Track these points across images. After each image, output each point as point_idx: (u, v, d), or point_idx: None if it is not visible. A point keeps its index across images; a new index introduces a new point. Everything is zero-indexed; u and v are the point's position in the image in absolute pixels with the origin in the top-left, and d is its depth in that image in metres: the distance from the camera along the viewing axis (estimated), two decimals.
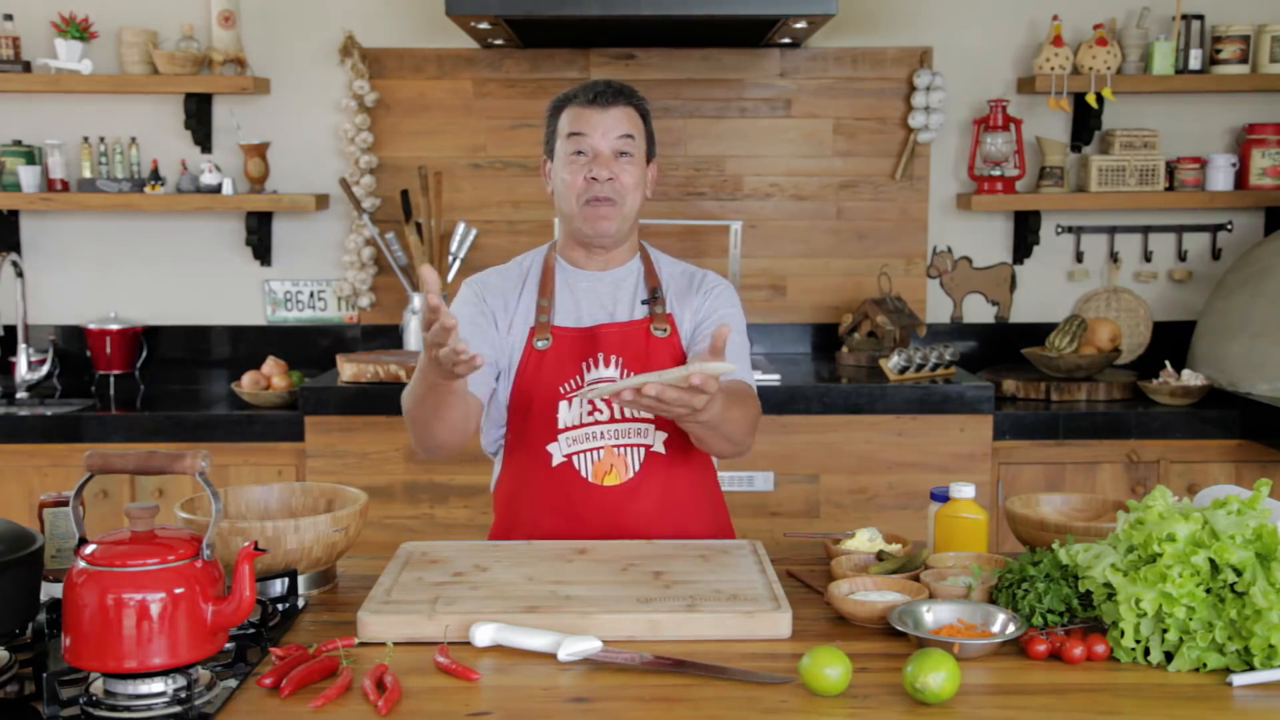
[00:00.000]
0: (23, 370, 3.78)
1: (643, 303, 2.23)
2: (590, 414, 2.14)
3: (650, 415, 2.13)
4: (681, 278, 2.28)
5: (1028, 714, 1.46)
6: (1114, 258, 4.01)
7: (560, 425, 2.14)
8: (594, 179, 2.13)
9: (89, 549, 1.49)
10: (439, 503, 3.40)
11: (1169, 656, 1.60)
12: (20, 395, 3.76)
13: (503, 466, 2.25)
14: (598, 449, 2.14)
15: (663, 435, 2.15)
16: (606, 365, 2.16)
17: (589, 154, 2.14)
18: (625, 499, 2.13)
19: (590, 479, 2.13)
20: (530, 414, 2.16)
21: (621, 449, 2.14)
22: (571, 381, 2.15)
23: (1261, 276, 3.58)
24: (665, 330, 2.20)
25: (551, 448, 2.14)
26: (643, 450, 2.15)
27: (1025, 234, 3.94)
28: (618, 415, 2.14)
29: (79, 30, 3.72)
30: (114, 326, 3.83)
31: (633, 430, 2.15)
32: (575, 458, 2.14)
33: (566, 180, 2.15)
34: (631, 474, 2.14)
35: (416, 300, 3.75)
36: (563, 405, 2.14)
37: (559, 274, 2.24)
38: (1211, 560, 1.58)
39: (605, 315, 2.21)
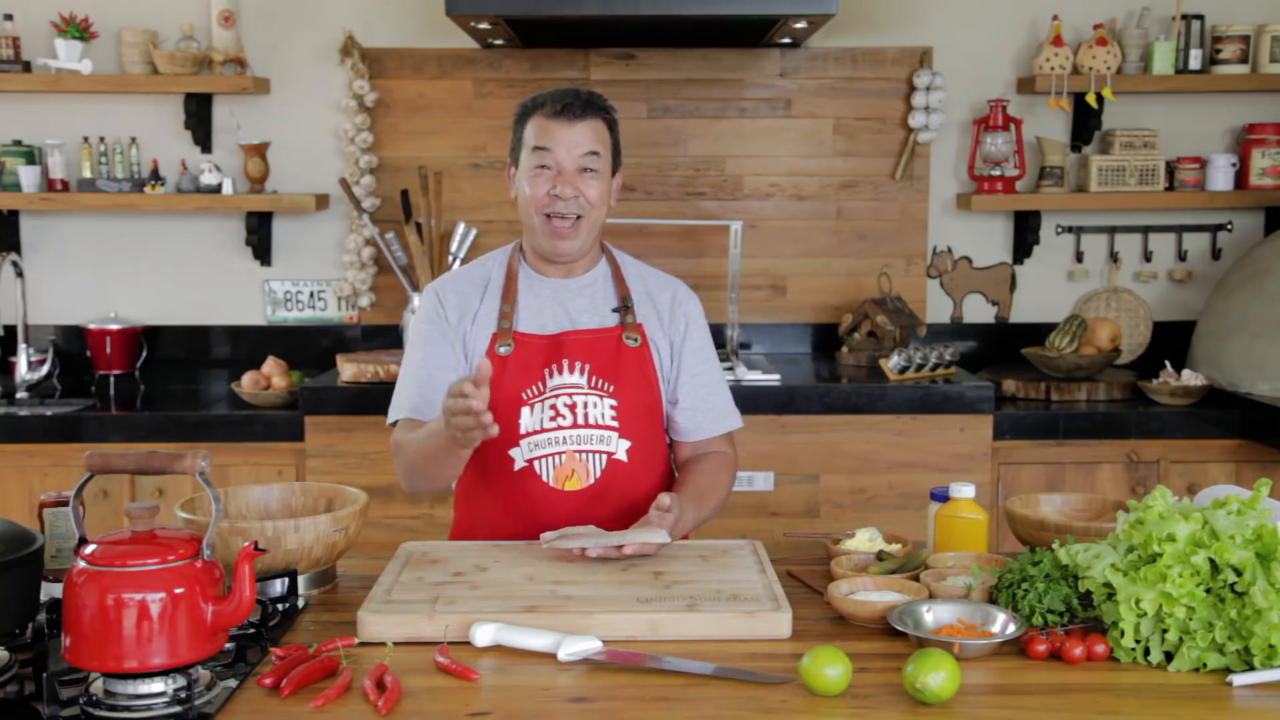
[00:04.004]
0: (23, 370, 3.78)
1: (613, 310, 2.23)
2: (553, 419, 2.14)
3: (614, 423, 2.16)
4: (646, 300, 2.26)
5: (1028, 714, 1.46)
6: (1114, 258, 4.01)
7: (522, 430, 2.14)
8: (557, 196, 2.12)
9: (89, 549, 1.49)
10: (439, 503, 3.40)
11: (1169, 656, 1.60)
12: (20, 395, 3.76)
13: (464, 467, 2.25)
14: (559, 454, 2.14)
15: (626, 444, 2.16)
16: (571, 372, 2.16)
17: (553, 169, 2.13)
18: (586, 504, 2.13)
19: (551, 484, 2.13)
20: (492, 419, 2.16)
21: (583, 455, 2.14)
22: (534, 387, 2.15)
23: (1261, 276, 3.58)
24: (636, 340, 2.21)
25: (514, 453, 2.15)
26: (604, 457, 2.15)
27: (1025, 234, 3.94)
28: (580, 421, 2.15)
29: (79, 30, 3.72)
30: (114, 326, 3.83)
31: (595, 437, 2.15)
32: (537, 463, 2.14)
33: (528, 193, 2.15)
34: (593, 480, 2.14)
35: (416, 300, 3.75)
36: (524, 411, 2.14)
37: (523, 279, 2.24)
38: (1211, 560, 1.58)
39: (569, 322, 2.20)
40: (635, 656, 1.59)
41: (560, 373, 2.16)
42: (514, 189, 2.22)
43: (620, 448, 2.16)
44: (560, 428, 2.14)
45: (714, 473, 2.23)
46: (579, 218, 2.15)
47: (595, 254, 2.27)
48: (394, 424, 2.22)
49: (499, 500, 2.17)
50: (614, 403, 2.16)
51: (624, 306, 2.23)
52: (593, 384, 2.16)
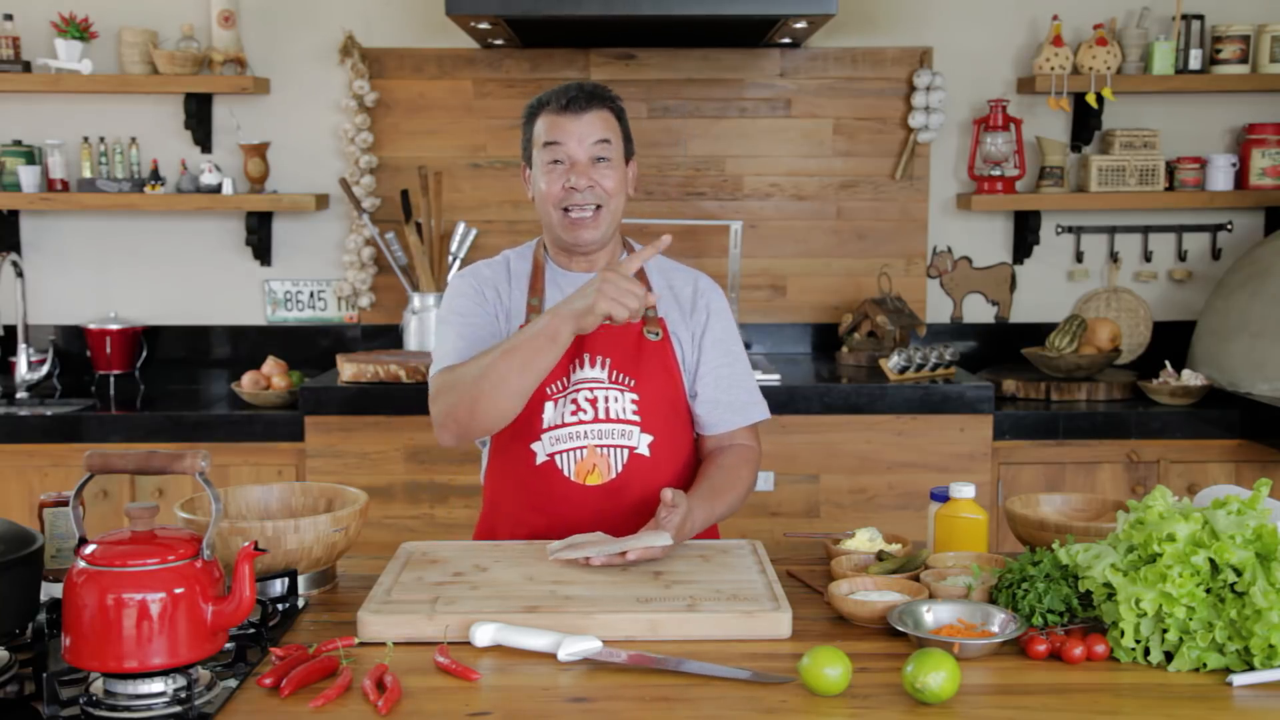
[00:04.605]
0: (23, 370, 3.78)
1: None
2: (574, 414, 2.14)
3: (635, 417, 2.15)
4: (668, 293, 2.26)
5: (1028, 714, 1.46)
6: (1114, 258, 4.01)
7: (544, 425, 2.14)
8: (573, 189, 2.12)
9: (89, 549, 1.49)
10: (439, 503, 3.40)
11: (1169, 656, 1.60)
12: (20, 395, 3.76)
13: (489, 461, 2.26)
14: (581, 448, 2.14)
15: (648, 438, 2.16)
16: (593, 366, 2.16)
17: (566, 162, 2.13)
18: (607, 499, 2.13)
19: (572, 478, 2.13)
20: None
21: (605, 449, 2.14)
22: (558, 383, 2.15)
23: (1261, 276, 3.58)
24: (658, 334, 2.20)
25: (535, 446, 2.15)
26: (626, 451, 2.15)
27: (1025, 234, 3.94)
28: (602, 416, 2.14)
29: (79, 30, 3.72)
30: (114, 326, 3.83)
31: (616, 431, 2.15)
32: (558, 457, 2.14)
33: (544, 190, 2.15)
34: (614, 474, 2.14)
35: (416, 300, 3.75)
36: (548, 405, 2.14)
37: (548, 273, 2.24)
38: (1211, 560, 1.58)
39: None
40: (648, 659, 1.59)
41: (583, 367, 2.16)
42: (530, 190, 2.22)
43: (642, 442, 2.15)
44: (581, 422, 2.14)
45: (733, 468, 2.20)
46: (598, 208, 2.14)
47: (617, 248, 2.27)
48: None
49: (521, 494, 2.17)
50: (635, 397, 2.16)
51: None
52: (613, 378, 2.16)
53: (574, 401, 2.14)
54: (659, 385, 2.19)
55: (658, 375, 2.19)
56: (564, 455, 2.14)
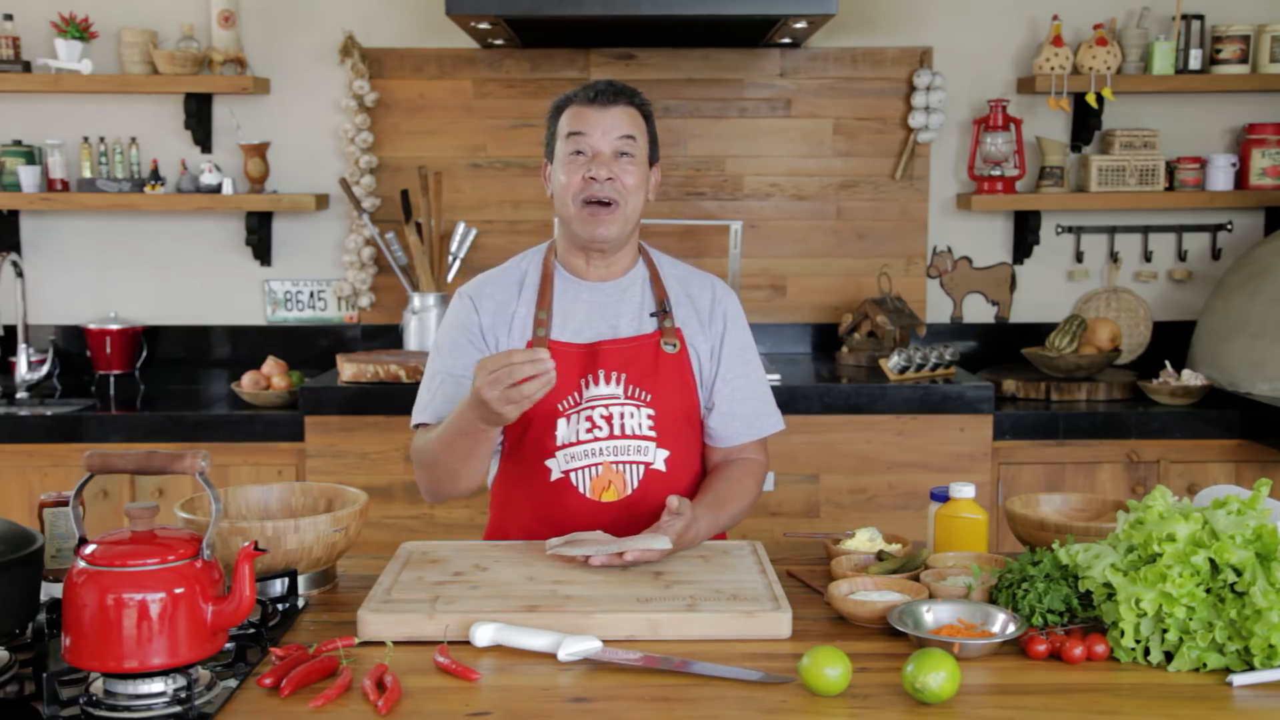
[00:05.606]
0: (23, 370, 3.78)
1: (651, 315, 2.18)
2: (589, 431, 2.11)
3: (651, 433, 2.13)
4: (686, 302, 2.22)
5: (1028, 714, 1.46)
6: (1114, 258, 4.01)
7: (558, 442, 2.11)
8: (592, 179, 2.08)
9: (89, 549, 1.49)
10: (440, 503, 3.40)
11: (1169, 656, 1.60)
12: (20, 395, 3.75)
13: (500, 471, 2.23)
14: (596, 465, 2.11)
15: (664, 453, 2.13)
16: (607, 382, 2.12)
17: (588, 153, 2.09)
18: (622, 514, 2.10)
19: (588, 495, 2.10)
20: (528, 429, 2.13)
21: (620, 466, 2.11)
22: (570, 398, 2.11)
23: (1261, 276, 3.58)
24: (675, 346, 2.16)
25: (550, 463, 2.12)
26: (642, 468, 2.12)
27: (1025, 234, 3.94)
28: (617, 432, 2.11)
29: (79, 30, 3.73)
30: (114, 326, 3.83)
31: (632, 447, 2.12)
32: (573, 474, 2.11)
33: (564, 181, 2.10)
34: (630, 490, 2.11)
35: (417, 300, 3.75)
36: (560, 422, 2.11)
37: (559, 283, 2.19)
38: (1211, 560, 1.58)
39: (608, 329, 2.15)
40: (656, 660, 1.59)
41: (596, 383, 2.12)
42: (550, 187, 2.17)
43: (658, 458, 2.12)
44: (597, 439, 2.10)
45: (739, 479, 2.18)
46: (616, 205, 2.09)
47: (633, 255, 2.22)
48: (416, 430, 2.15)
49: (535, 510, 2.14)
50: (651, 412, 2.12)
51: (662, 311, 2.18)
52: (629, 394, 2.12)
53: (589, 419, 2.11)
54: (676, 399, 2.16)
55: (675, 389, 2.16)
56: (579, 472, 2.11)
